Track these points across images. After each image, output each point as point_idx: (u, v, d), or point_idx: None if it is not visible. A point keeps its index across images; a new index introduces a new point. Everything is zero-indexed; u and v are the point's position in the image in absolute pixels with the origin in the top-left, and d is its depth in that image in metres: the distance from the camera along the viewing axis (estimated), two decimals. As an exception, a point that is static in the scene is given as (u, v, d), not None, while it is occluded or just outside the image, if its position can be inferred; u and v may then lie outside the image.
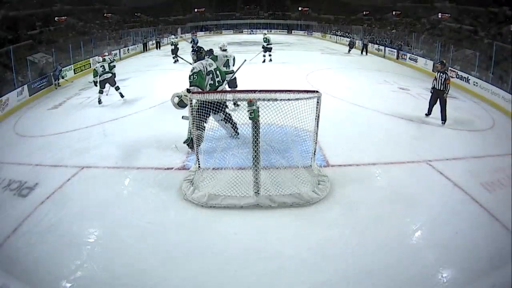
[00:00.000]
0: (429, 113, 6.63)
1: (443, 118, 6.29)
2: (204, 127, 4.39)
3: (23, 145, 5.76)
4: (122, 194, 3.99)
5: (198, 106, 4.15)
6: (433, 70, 12.76)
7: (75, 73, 12.56)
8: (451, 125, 6.25)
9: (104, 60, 8.49)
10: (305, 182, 3.93)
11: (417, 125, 6.32)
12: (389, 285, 2.64)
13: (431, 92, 6.55)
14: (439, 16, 20.00)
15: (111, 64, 8.43)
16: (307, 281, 2.69)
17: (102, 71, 7.92)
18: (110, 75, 8.05)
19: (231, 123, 4.73)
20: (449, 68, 11.76)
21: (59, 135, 5.97)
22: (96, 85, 8.05)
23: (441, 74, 6.32)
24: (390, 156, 4.86)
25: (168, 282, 2.69)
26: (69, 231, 3.29)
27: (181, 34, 30.11)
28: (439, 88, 6.29)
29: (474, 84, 9.85)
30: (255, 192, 3.64)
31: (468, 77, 10.32)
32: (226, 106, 4.58)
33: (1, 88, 8.98)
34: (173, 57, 14.18)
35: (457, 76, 10.93)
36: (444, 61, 7.01)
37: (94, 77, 8.07)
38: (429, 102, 6.61)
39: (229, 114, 4.68)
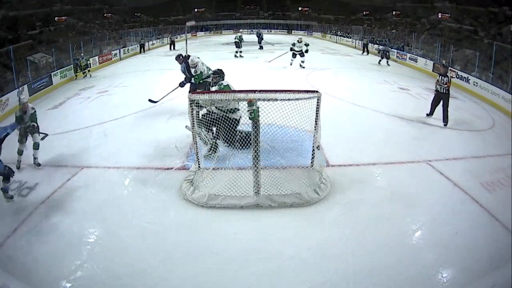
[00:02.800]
0: (431, 113, 6.59)
1: (445, 120, 6.24)
2: (213, 130, 4.53)
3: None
4: (122, 194, 3.99)
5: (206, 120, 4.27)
6: (433, 70, 12.76)
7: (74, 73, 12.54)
8: (451, 125, 6.25)
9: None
10: (305, 182, 3.93)
11: (417, 125, 6.32)
12: (389, 285, 2.64)
13: (435, 93, 6.51)
14: (439, 16, 20.00)
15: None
16: (307, 281, 2.69)
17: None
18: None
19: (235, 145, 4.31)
20: (449, 68, 11.77)
21: (59, 135, 5.96)
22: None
23: (443, 77, 6.27)
24: (390, 156, 4.86)
25: (168, 282, 2.69)
26: (69, 231, 3.29)
27: (182, 34, 30.11)
28: (442, 91, 6.28)
29: (474, 84, 9.85)
30: (255, 192, 3.64)
31: (468, 77, 10.31)
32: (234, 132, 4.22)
33: (1, 88, 8.99)
34: (236, 52, 15.55)
35: (457, 76, 10.92)
36: (445, 62, 7.03)
37: (18, 122, 4.64)
38: (431, 103, 6.58)
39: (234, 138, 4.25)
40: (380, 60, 14.60)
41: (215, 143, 4.58)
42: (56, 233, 3.26)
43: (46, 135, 4.94)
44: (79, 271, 2.79)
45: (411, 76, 12.09)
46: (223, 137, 4.30)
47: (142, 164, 4.61)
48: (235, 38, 16.07)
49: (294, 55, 12.16)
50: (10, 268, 2.81)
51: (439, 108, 6.40)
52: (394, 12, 25.98)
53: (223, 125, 4.13)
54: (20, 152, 4.75)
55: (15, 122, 4.60)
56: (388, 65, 14.10)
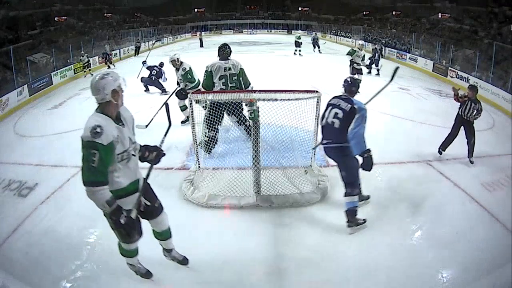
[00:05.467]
0: (443, 148, 4.85)
1: (470, 154, 4.71)
2: (218, 129, 4.38)
3: (23, 145, 5.76)
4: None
5: (210, 106, 4.16)
6: (433, 70, 12.71)
7: (75, 73, 12.57)
8: (451, 125, 6.23)
9: None
10: (305, 182, 3.93)
11: (417, 125, 6.32)
12: (389, 285, 2.64)
13: (457, 120, 4.82)
14: (439, 16, 20.00)
15: None
16: (307, 281, 2.69)
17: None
18: None
19: (245, 126, 4.51)
20: (449, 68, 11.74)
21: (59, 135, 5.97)
22: None
23: (473, 104, 4.61)
24: (390, 156, 4.86)
25: (168, 282, 2.68)
26: (69, 231, 3.28)
27: (182, 34, 30.09)
28: (467, 117, 4.66)
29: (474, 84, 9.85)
30: (255, 192, 3.64)
31: (468, 77, 10.32)
32: (242, 109, 4.38)
33: (1, 88, 9.00)
34: (295, 50, 16.87)
35: (457, 76, 10.93)
36: (475, 84, 5.19)
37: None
38: (449, 135, 4.82)
39: (244, 117, 4.45)
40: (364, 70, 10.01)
41: (215, 136, 4.46)
42: (55, 233, 3.25)
43: None
44: (79, 271, 2.79)
45: (411, 76, 12.09)
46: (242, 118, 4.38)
47: (142, 164, 4.60)
48: (296, 38, 17.35)
49: (353, 70, 8.82)
50: (10, 268, 2.80)
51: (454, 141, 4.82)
52: (394, 12, 25.98)
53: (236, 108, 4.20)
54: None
55: None
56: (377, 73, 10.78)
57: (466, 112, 4.65)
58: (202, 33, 28.79)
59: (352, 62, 8.80)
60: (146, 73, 8.77)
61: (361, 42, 9.92)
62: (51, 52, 12.60)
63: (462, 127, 4.73)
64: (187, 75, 5.56)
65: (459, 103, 4.79)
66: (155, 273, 2.68)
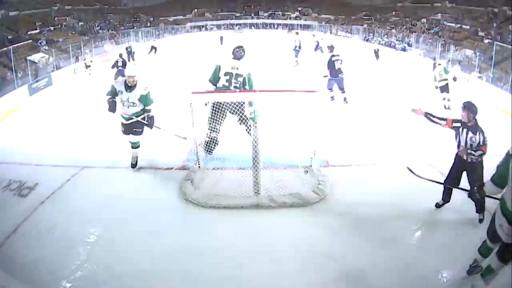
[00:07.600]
0: (445, 200, 3.52)
1: (479, 210, 3.29)
2: (219, 130, 4.35)
3: (23, 145, 5.75)
4: (122, 194, 3.98)
5: (212, 107, 4.16)
6: (433, 70, 12.65)
7: (75, 73, 12.58)
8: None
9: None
10: (305, 182, 3.93)
11: (417, 125, 6.30)
12: (389, 285, 2.64)
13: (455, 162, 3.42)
14: (439, 16, 20.01)
15: None
16: (307, 281, 2.69)
17: None
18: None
19: (245, 126, 4.41)
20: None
21: (59, 135, 5.97)
22: None
23: (470, 133, 3.24)
24: (390, 156, 4.86)
25: (168, 282, 2.69)
26: (69, 231, 3.29)
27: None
28: (465, 155, 3.24)
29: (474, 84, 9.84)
30: (255, 192, 3.64)
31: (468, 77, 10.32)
32: (243, 109, 4.23)
33: (1, 88, 9.01)
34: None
35: (457, 76, 10.93)
36: (472, 103, 3.29)
37: None
38: (446, 181, 3.44)
39: (245, 117, 4.32)
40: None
41: (215, 137, 4.44)
42: (56, 233, 3.26)
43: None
44: (79, 271, 2.79)
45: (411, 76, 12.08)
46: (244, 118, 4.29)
47: (142, 164, 4.61)
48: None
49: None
50: (10, 268, 2.81)
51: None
52: (394, 12, 26.00)
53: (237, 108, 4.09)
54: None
55: None
56: None
57: (462, 148, 3.19)
58: (225, 31, 28.02)
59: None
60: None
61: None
62: (51, 52, 12.61)
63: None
64: (148, 96, 4.29)
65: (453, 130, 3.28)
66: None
